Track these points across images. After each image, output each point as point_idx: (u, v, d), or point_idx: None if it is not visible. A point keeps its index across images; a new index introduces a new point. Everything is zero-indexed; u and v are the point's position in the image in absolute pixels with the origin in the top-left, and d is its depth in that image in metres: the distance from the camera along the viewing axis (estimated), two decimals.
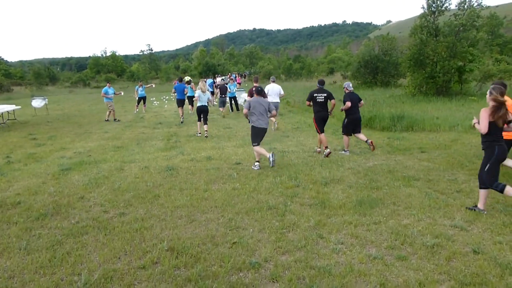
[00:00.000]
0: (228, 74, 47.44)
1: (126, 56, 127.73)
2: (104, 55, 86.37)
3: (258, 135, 8.15)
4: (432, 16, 24.45)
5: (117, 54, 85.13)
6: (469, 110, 16.17)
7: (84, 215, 5.60)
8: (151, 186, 6.94)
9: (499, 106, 5.16)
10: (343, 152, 9.49)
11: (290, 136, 12.02)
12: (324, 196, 6.25)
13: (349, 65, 48.34)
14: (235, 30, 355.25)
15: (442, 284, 3.69)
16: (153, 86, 26.30)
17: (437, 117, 13.44)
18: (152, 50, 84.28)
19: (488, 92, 5.37)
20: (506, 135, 6.55)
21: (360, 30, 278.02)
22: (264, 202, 6.02)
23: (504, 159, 5.42)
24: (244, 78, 54.85)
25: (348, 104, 9.19)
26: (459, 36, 23.25)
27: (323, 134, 9.33)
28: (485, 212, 5.38)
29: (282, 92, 13.58)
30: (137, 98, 20.63)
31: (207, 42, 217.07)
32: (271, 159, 8.02)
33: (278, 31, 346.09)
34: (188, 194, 6.45)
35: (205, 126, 12.25)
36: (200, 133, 12.52)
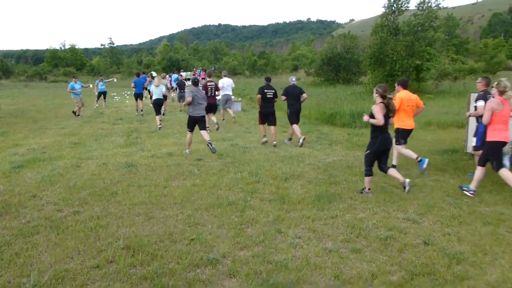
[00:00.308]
0: (193, 69, 46.85)
1: (86, 50, 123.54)
2: (62, 48, 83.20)
3: (193, 123, 8.95)
4: (393, 15, 25.17)
5: (76, 47, 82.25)
6: (426, 107, 16.77)
7: (35, 214, 5.38)
8: (108, 183, 6.76)
9: (386, 102, 5.94)
10: (300, 140, 9.81)
11: (252, 132, 12.05)
12: (284, 191, 6.31)
13: (312, 62, 49.02)
14: (200, 25, 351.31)
15: (394, 275, 3.82)
16: (115, 80, 25.65)
17: None
18: (113, 43, 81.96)
19: (374, 90, 6.12)
20: (406, 125, 7.35)
21: (324, 28, 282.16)
22: (224, 198, 6.01)
23: (388, 148, 6.16)
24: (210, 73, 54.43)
25: (282, 98, 10.12)
26: (418, 35, 24.08)
27: (262, 125, 10.13)
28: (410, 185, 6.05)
29: (233, 86, 14.29)
30: (97, 93, 20.02)
31: (171, 37, 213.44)
32: (186, 153, 8.97)
33: (244, 27, 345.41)
34: (147, 191, 6.34)
35: (160, 116, 13.23)
36: (160, 125, 12.91)
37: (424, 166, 7.17)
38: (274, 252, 4.29)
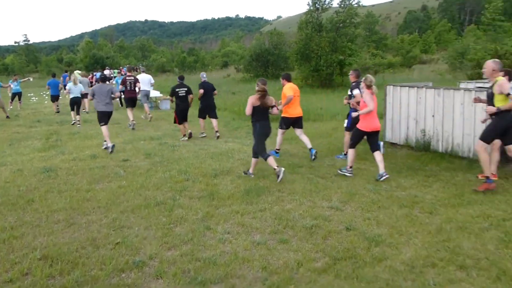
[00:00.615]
0: (119, 67, 44.94)
1: None
2: None
3: (102, 117, 9.21)
4: (316, 12, 26.09)
5: None
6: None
7: None
8: (24, 191, 6.27)
9: (262, 94, 6.54)
10: (201, 134, 10.59)
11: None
12: (213, 188, 6.29)
13: (242, 58, 49.33)
14: (126, 21, 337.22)
15: (318, 261, 3.97)
16: (31, 80, 23.89)
17: (321, 108, 14.42)
18: (29, 41, 76.12)
19: (256, 84, 6.74)
20: (294, 114, 8.14)
21: (252, 24, 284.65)
22: (152, 198, 5.85)
23: (268, 134, 6.84)
24: (136, 71, 52.65)
25: (201, 91, 10.49)
26: (340, 32, 25.20)
27: (181, 125, 10.47)
28: (253, 176, 6.71)
29: (153, 81, 14.99)
30: (10, 94, 18.49)
31: (94, 33, 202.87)
32: (108, 146, 8.90)
33: (171, 23, 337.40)
34: (67, 196, 5.98)
35: (78, 116, 13.27)
36: (75, 121, 13.20)
37: (274, 155, 7.92)
38: (202, 249, 4.27)
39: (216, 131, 10.62)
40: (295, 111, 8.18)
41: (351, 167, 6.82)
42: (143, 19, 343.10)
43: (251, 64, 33.69)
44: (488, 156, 5.95)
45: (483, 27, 46.42)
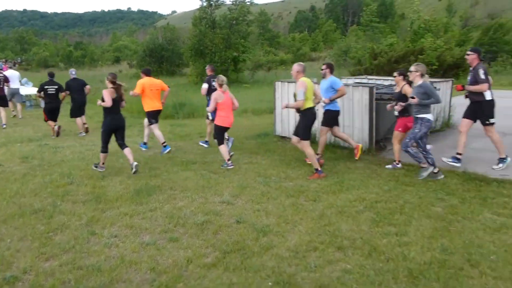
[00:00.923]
0: None
1: None
2: None
3: None
4: (210, 8, 26.11)
5: None
6: (244, 96, 18.03)
7: None
8: None
9: (117, 87, 6.74)
10: (80, 134, 10.34)
11: (66, 130, 10.97)
12: (100, 190, 5.95)
13: (135, 53, 47.36)
14: (0, 11, 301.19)
15: (208, 256, 3.99)
16: None
17: None
18: None
19: (106, 78, 6.87)
20: (153, 107, 8.19)
21: (146, 18, 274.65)
22: (28, 205, 5.33)
23: (121, 126, 6.90)
24: (14, 66, 47.30)
25: (66, 93, 10.18)
26: (233, 29, 25.57)
27: (51, 122, 10.12)
28: (137, 167, 6.81)
29: (21, 79, 14.37)
30: None
31: None
32: None
33: (55, 14, 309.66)
34: None
35: None
36: None
37: (165, 152, 8.12)
38: (86, 256, 4.01)
39: (84, 123, 10.49)
40: (154, 105, 8.22)
41: (229, 159, 7.14)
42: (21, 9, 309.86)
43: (145, 60, 32.56)
44: (313, 151, 6.67)
45: (362, 28, 50.96)
